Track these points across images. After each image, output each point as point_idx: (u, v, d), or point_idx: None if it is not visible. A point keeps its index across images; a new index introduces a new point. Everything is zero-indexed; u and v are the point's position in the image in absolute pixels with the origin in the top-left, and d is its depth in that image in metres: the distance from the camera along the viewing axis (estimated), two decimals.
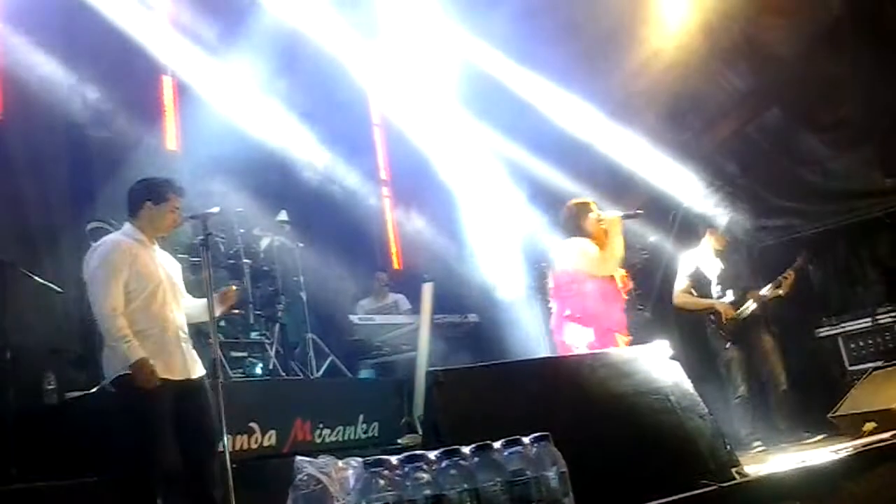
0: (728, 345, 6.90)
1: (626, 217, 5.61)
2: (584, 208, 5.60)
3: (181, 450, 4.36)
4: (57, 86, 6.80)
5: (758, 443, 6.51)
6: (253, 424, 5.49)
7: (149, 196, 4.59)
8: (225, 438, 4.44)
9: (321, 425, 5.95)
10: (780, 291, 6.94)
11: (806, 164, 8.41)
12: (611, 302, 5.41)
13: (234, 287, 5.12)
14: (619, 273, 5.52)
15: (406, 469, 2.09)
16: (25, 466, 4.93)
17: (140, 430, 4.24)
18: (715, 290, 6.98)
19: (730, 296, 6.93)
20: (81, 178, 7.33)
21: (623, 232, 5.50)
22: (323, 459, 2.16)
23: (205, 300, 4.73)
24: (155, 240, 4.68)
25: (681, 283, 7.09)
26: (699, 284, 7.02)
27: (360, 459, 2.10)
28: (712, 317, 6.95)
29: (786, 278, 6.94)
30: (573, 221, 5.57)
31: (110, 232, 4.94)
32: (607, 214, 5.55)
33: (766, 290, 6.95)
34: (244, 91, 8.00)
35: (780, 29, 8.20)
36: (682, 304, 7.14)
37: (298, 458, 2.18)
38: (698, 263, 7.08)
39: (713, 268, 7.05)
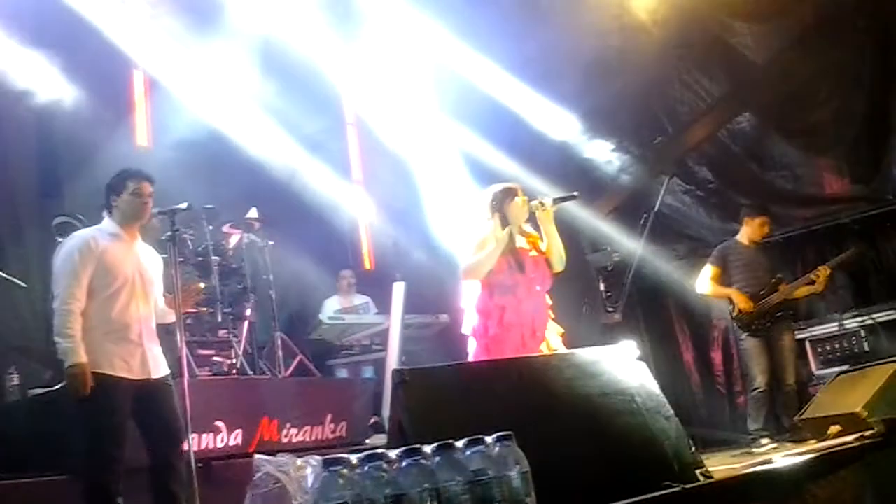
0: (744, 335, 6.91)
1: (559, 201, 5.20)
2: (508, 193, 5.22)
3: (147, 449, 4.32)
4: (26, 80, 6.72)
5: (766, 440, 6.50)
6: (219, 423, 5.44)
7: (111, 190, 4.55)
8: (189, 437, 4.40)
9: (288, 425, 5.91)
10: (815, 289, 6.88)
11: (776, 168, 8.49)
12: (522, 296, 5.08)
13: (200, 285, 5.07)
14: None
15: (366, 468, 2.07)
16: None
17: (94, 427, 4.19)
18: (743, 279, 6.94)
19: (754, 286, 6.89)
20: (49, 174, 7.27)
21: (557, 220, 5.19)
22: (282, 458, 2.14)
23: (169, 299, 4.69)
24: (137, 234, 4.62)
25: (707, 270, 7.08)
26: (727, 272, 7.01)
27: (319, 458, 2.07)
28: (731, 306, 6.96)
29: (818, 275, 6.83)
30: (496, 207, 5.20)
31: (77, 227, 4.88)
32: (540, 201, 5.17)
33: (796, 285, 6.92)
34: (216, 87, 7.93)
35: (753, 35, 8.28)
36: (704, 291, 7.18)
37: (257, 456, 2.15)
38: (729, 251, 7.07)
39: (744, 257, 7.02)
